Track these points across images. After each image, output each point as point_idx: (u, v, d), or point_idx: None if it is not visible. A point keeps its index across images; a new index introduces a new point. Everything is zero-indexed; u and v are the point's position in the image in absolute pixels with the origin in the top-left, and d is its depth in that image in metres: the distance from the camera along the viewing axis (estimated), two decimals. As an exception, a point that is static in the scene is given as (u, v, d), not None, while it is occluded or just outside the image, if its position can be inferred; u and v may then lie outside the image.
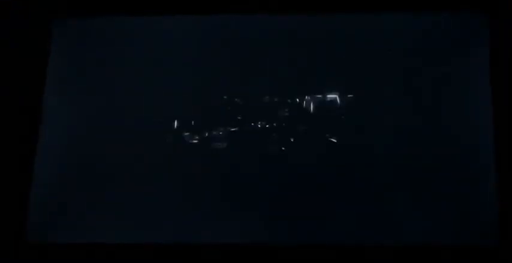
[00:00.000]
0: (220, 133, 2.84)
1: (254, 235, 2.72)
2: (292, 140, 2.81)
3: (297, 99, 2.85)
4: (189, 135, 2.84)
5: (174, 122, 2.86)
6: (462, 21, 2.88)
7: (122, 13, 3.00)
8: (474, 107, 2.77)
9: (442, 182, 2.71)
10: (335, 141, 2.79)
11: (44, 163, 2.85)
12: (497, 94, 2.75)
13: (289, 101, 2.85)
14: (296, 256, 2.67)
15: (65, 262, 2.73)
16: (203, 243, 2.72)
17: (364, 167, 2.75)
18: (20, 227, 2.77)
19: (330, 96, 2.85)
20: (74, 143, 2.88)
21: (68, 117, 2.90)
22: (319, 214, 2.71)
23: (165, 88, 2.90)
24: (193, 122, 2.86)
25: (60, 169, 2.85)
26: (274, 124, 2.83)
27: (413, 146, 2.75)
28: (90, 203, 2.80)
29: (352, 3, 2.92)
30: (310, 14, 2.95)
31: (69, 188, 2.83)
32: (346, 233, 2.68)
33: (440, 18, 2.89)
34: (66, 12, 3.01)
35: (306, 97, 2.85)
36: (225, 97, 2.87)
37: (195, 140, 2.83)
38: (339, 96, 2.84)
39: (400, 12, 2.91)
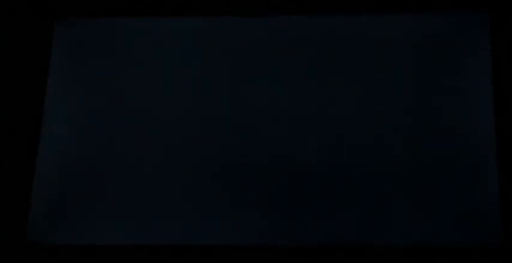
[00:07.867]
0: (222, 134, 2.84)
1: (254, 236, 2.72)
2: (293, 140, 2.81)
3: (298, 101, 2.86)
4: (190, 135, 2.85)
5: (175, 122, 2.87)
6: (462, 21, 2.89)
7: (124, 14, 3.03)
8: (475, 107, 2.76)
9: (443, 182, 2.69)
10: (335, 141, 2.79)
11: (45, 164, 2.87)
12: (498, 94, 2.74)
13: (290, 103, 2.86)
14: (296, 256, 2.66)
15: (65, 263, 2.75)
16: (205, 244, 2.72)
17: (364, 167, 2.74)
18: (21, 228, 2.78)
19: (330, 96, 2.85)
20: (75, 143, 2.89)
21: (69, 118, 2.92)
22: (318, 214, 2.70)
23: (166, 89, 2.92)
24: (194, 122, 2.87)
25: (61, 170, 2.87)
26: (275, 125, 2.84)
27: (414, 146, 2.74)
28: (91, 203, 2.80)
29: (353, 4, 2.93)
30: (311, 15, 2.97)
31: (70, 189, 2.84)
32: (346, 234, 2.67)
33: (441, 18, 2.89)
34: (68, 12, 3.05)
35: (308, 98, 2.86)
36: (226, 98, 2.89)
37: (196, 140, 2.84)
38: (338, 97, 2.84)
39: (400, 13, 2.92)
